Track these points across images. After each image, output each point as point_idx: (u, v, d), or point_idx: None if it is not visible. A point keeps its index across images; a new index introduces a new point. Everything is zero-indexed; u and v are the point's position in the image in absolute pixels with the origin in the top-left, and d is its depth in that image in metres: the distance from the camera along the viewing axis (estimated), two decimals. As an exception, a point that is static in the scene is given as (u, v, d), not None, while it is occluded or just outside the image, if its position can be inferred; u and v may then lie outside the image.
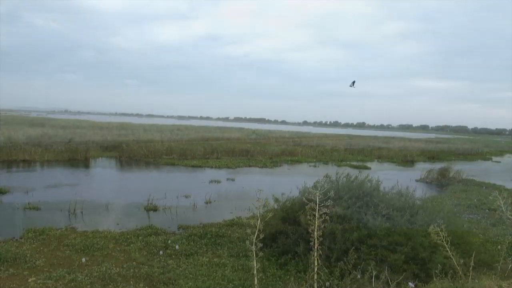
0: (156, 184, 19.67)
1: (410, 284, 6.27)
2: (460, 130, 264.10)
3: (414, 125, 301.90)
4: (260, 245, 5.32)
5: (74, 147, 29.19)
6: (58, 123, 63.20)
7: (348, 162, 34.94)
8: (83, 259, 8.80)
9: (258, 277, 6.03)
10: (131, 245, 10.01)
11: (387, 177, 19.33)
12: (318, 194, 5.54)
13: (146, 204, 14.75)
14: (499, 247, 9.72)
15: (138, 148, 31.67)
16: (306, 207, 5.67)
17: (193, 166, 27.50)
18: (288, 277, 7.96)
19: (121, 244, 10.13)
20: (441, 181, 25.04)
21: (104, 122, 76.21)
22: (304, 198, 5.82)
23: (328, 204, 5.59)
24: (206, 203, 16.01)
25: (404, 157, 41.02)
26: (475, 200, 18.26)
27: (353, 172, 11.63)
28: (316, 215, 5.50)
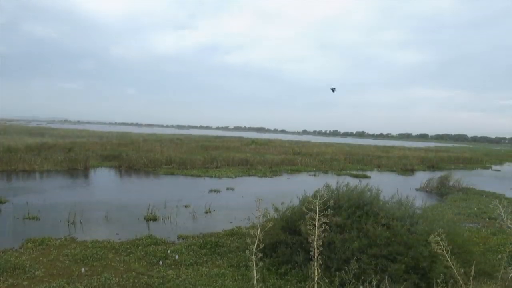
0: (155, 194, 19.64)
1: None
2: (460, 138, 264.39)
3: (413, 134, 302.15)
4: (260, 255, 5.30)
5: (73, 156, 29.17)
6: (57, 132, 63.29)
7: (348, 171, 34.92)
8: (83, 269, 8.77)
9: (258, 287, 6.01)
10: (131, 255, 9.98)
11: (387, 186, 19.32)
12: (318, 203, 5.54)
13: (146, 213, 14.72)
14: (499, 256, 9.71)
15: (138, 157, 31.70)
16: (306, 216, 5.67)
17: (192, 176, 27.49)
18: (288, 287, 7.94)
19: (121, 254, 10.10)
20: (441, 190, 25.00)
21: (104, 131, 76.31)
22: (304, 208, 5.82)
23: (328, 213, 5.59)
24: (206, 212, 15.97)
25: (403, 166, 41.01)
26: (475, 209, 18.23)
27: (353, 181, 11.63)
28: (316, 224, 5.50)
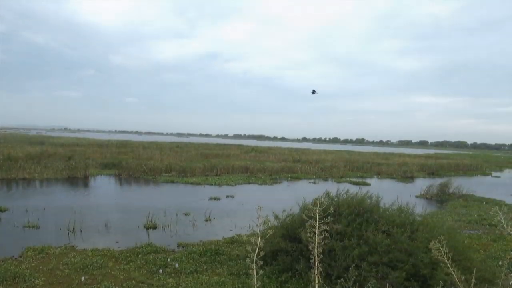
0: (155, 202, 19.61)
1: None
2: (460, 145, 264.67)
3: (413, 141, 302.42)
4: (261, 262, 5.30)
5: (73, 165, 29.17)
6: (57, 141, 63.28)
7: (348, 179, 34.93)
8: (83, 278, 8.75)
9: (259, 295, 5.99)
10: (131, 264, 9.96)
11: (387, 193, 19.30)
12: (318, 210, 5.54)
13: (146, 221, 14.70)
14: (500, 263, 9.70)
15: (138, 165, 31.70)
16: (306, 224, 5.67)
17: (192, 183, 27.47)
18: (289, 295, 7.91)
19: (121, 262, 10.08)
20: (441, 196, 25.00)
21: (104, 139, 76.30)
22: (304, 215, 5.82)
23: (328, 220, 5.59)
24: (206, 220, 15.95)
25: (403, 173, 41.02)
26: (475, 215, 18.22)
27: (353, 189, 11.64)
28: (316, 232, 5.50)
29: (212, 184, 27.27)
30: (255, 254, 5.30)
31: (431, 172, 45.60)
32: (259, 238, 5.35)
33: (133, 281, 8.76)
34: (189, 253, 10.95)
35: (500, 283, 7.14)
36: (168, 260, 10.24)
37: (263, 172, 35.54)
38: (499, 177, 47.35)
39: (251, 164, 37.52)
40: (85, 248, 11.35)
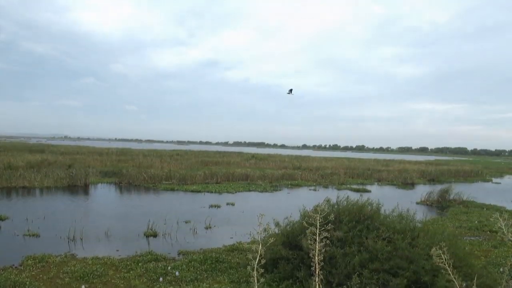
0: (155, 210, 19.59)
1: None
2: (460, 151, 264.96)
3: (413, 148, 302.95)
4: (262, 270, 5.29)
5: (73, 173, 29.16)
6: (57, 149, 63.29)
7: (348, 186, 34.91)
8: (83, 287, 8.73)
9: (260, 303, 5.97)
10: (131, 272, 9.93)
11: (388, 199, 19.29)
12: (318, 218, 5.55)
13: (146, 229, 14.68)
14: (501, 269, 9.67)
15: (138, 173, 31.69)
16: (307, 231, 5.67)
17: (192, 191, 27.45)
18: (290, 302, 7.88)
19: (121, 271, 10.06)
20: (441, 203, 24.97)
21: (104, 147, 76.32)
22: (304, 222, 5.82)
23: (329, 228, 5.59)
24: (206, 228, 15.93)
25: (404, 179, 41.00)
26: (476, 222, 18.19)
27: (354, 196, 11.64)
28: (317, 239, 5.50)
29: (212, 192, 27.24)
30: (256, 262, 5.30)
31: (432, 179, 45.59)
32: (260, 246, 5.35)
33: (134, 289, 8.74)
34: (189, 261, 10.93)
35: (501, 290, 7.13)
36: (169, 268, 10.21)
37: (263, 179, 35.54)
38: (500, 183, 47.32)
39: (251, 172, 37.53)
40: (86, 256, 11.33)
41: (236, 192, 27.83)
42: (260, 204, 22.98)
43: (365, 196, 10.91)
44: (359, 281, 7.22)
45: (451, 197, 25.88)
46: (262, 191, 29.17)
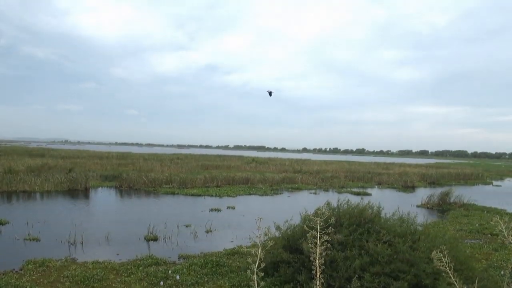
0: (156, 213, 19.59)
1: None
2: (460, 154, 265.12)
3: (413, 151, 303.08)
4: (261, 274, 5.29)
5: (74, 177, 29.16)
6: (58, 153, 63.33)
7: (349, 189, 34.89)
8: (83, 291, 8.71)
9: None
10: (131, 276, 9.92)
11: (388, 203, 19.28)
12: (319, 221, 5.55)
13: (146, 233, 14.67)
14: (502, 272, 9.66)
15: (138, 177, 31.69)
16: (308, 234, 5.67)
17: (193, 195, 27.43)
18: (291, 306, 7.86)
19: (122, 275, 10.04)
20: (442, 206, 24.94)
21: (104, 151, 76.35)
22: (305, 226, 5.83)
23: (329, 231, 5.60)
24: (207, 232, 15.91)
25: (404, 182, 40.99)
26: (476, 225, 18.17)
27: (354, 199, 11.64)
28: (318, 242, 5.50)
29: (212, 196, 27.23)
30: (256, 266, 5.30)
31: (432, 182, 45.57)
32: (260, 250, 5.35)
33: (134, 293, 8.73)
34: (190, 265, 10.91)
35: (502, 293, 7.12)
36: (169, 272, 10.20)
37: (263, 183, 35.54)
38: (500, 186, 47.29)
39: (251, 175, 37.51)
40: (86, 260, 11.32)
41: (236, 196, 27.81)
42: (260, 208, 22.96)
43: (366, 200, 10.90)
44: (359, 285, 7.22)
45: (452, 200, 25.84)
46: (262, 195, 29.16)
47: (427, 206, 25.46)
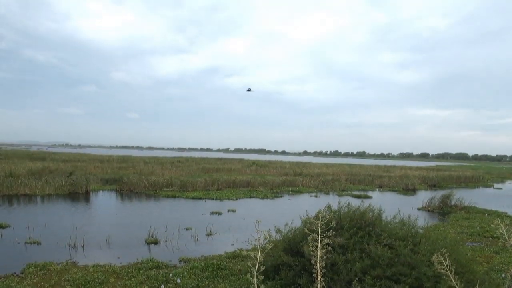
0: (156, 217, 19.58)
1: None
2: (461, 157, 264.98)
3: (414, 153, 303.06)
4: (262, 277, 5.29)
5: (74, 180, 29.18)
6: (59, 156, 63.37)
7: (350, 192, 34.87)
8: (84, 294, 8.70)
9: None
10: (132, 279, 9.91)
11: (389, 205, 19.26)
12: (320, 224, 5.56)
13: (147, 237, 14.67)
14: (503, 275, 9.65)
15: (139, 180, 31.71)
16: (308, 237, 5.68)
17: (193, 198, 27.43)
18: (292, 309, 7.85)
19: (122, 278, 10.04)
20: (443, 209, 24.92)
21: (105, 155, 76.41)
22: (306, 229, 5.83)
23: (330, 234, 5.60)
24: (207, 235, 15.91)
25: (405, 185, 40.98)
26: (477, 227, 18.15)
27: (355, 202, 11.63)
28: (319, 245, 5.50)
29: (213, 199, 27.22)
30: (256, 269, 5.30)
31: (433, 184, 45.55)
32: (259, 253, 5.35)
33: (135, 297, 8.72)
34: (190, 268, 10.90)
35: (503, 296, 7.11)
36: (170, 275, 10.19)
37: (264, 186, 35.54)
38: (501, 188, 47.24)
39: (252, 178, 37.51)
40: (87, 264, 11.31)
41: (237, 199, 27.80)
42: (261, 211, 22.96)
43: (367, 202, 10.88)
44: (359, 287, 7.21)
45: (453, 203, 25.82)
46: (263, 198, 29.14)
47: (428, 209, 25.44)
